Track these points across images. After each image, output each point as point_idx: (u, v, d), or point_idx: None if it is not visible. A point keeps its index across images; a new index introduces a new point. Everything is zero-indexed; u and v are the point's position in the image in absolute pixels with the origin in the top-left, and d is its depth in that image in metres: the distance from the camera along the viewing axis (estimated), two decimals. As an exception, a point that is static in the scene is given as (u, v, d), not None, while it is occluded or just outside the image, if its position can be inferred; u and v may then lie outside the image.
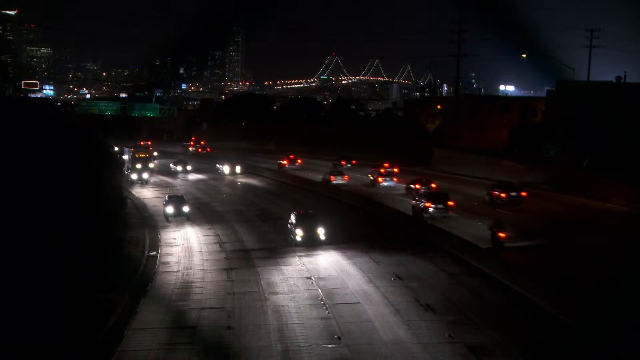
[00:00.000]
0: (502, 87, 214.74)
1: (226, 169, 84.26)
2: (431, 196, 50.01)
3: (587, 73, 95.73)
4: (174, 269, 37.40)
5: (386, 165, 73.26)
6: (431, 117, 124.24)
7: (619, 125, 66.42)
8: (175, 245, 43.93)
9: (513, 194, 53.77)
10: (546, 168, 71.40)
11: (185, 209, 52.58)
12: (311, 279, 34.15)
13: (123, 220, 49.32)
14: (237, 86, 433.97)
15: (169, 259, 39.81)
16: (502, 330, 25.19)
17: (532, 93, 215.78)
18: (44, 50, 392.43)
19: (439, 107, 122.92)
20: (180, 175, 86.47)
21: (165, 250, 42.25)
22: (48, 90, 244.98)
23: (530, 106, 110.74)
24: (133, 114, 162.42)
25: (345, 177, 69.55)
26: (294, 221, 42.77)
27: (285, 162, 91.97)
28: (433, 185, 59.30)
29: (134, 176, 77.31)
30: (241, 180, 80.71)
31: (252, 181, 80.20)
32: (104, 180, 46.12)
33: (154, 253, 41.33)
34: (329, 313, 28.56)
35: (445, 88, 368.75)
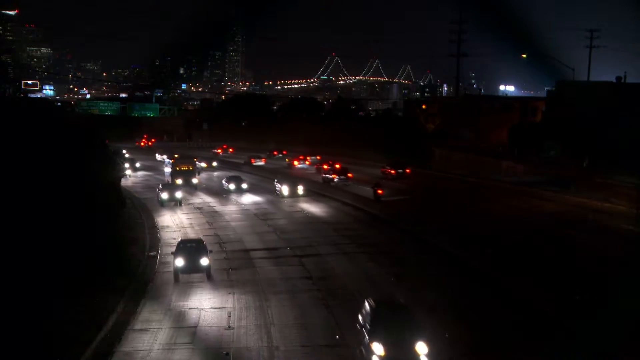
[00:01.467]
0: (502, 87, 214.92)
1: (285, 189, 64.47)
2: (336, 171, 73.52)
3: (587, 73, 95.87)
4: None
5: (331, 162, 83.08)
6: (431, 117, 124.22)
7: (619, 126, 66.45)
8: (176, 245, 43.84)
9: (400, 170, 74.45)
10: (546, 168, 71.45)
11: (204, 261, 34.70)
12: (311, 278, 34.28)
13: (123, 220, 49.37)
14: (237, 86, 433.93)
15: (169, 259, 39.78)
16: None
17: (532, 93, 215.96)
18: (44, 50, 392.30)
19: (435, 108, 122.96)
20: (233, 197, 65.26)
21: (165, 250, 42.20)
22: (48, 91, 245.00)
23: (530, 106, 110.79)
24: (133, 114, 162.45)
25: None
26: None
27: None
28: (337, 166, 77.42)
29: (164, 195, 60.20)
30: (307, 208, 58.07)
31: (321, 210, 56.62)
32: (104, 181, 46.14)
33: (154, 253, 41.32)
34: (329, 313, 28.63)
35: (445, 88, 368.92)
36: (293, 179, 68.77)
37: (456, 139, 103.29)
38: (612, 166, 65.77)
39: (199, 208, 59.26)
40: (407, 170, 74.84)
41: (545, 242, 38.76)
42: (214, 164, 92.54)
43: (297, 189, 64.46)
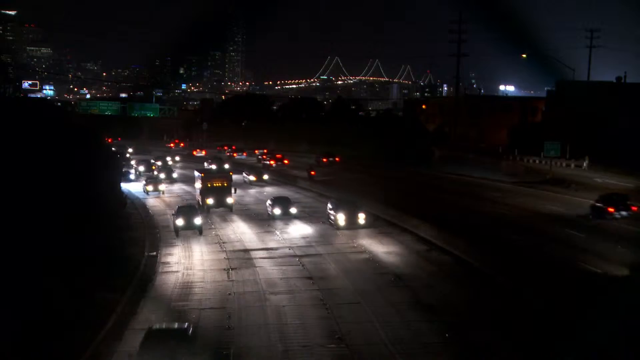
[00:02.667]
0: (502, 87, 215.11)
1: (341, 217, 46.11)
2: (275, 158, 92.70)
3: (587, 73, 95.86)
4: (174, 269, 37.40)
5: (265, 151, 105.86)
6: (431, 117, 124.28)
7: (619, 126, 66.51)
8: (175, 245, 43.92)
9: (330, 159, 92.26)
10: (545, 168, 71.59)
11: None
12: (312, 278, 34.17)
13: (123, 220, 49.40)
14: (237, 86, 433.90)
15: (169, 259, 39.81)
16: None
17: (532, 93, 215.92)
18: (44, 50, 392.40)
19: (435, 108, 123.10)
20: (276, 226, 49.25)
21: (165, 250, 42.24)
22: (48, 91, 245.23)
23: (530, 106, 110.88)
24: (133, 114, 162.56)
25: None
26: None
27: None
28: (278, 155, 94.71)
29: (179, 222, 46.05)
30: (380, 251, 40.14)
31: (405, 260, 37.79)
32: (104, 181, 46.16)
33: (154, 253, 41.33)
34: (329, 313, 28.60)
35: (445, 88, 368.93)
36: (351, 204, 48.02)
37: (456, 139, 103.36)
38: (612, 166, 65.89)
39: (223, 242, 43.98)
40: (337, 159, 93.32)
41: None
42: (265, 176, 75.77)
43: (357, 218, 46.25)
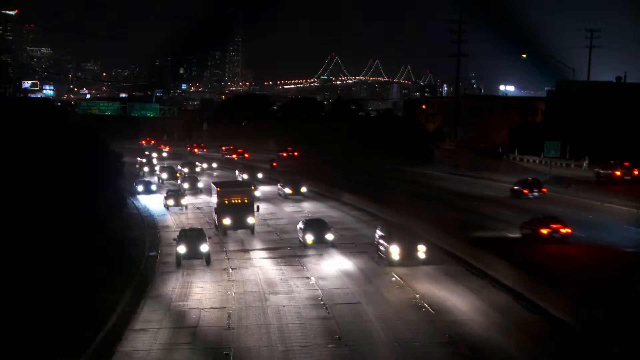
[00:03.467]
0: (502, 87, 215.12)
1: (395, 251, 35.70)
2: (237, 152, 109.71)
3: (587, 73, 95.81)
4: (174, 269, 37.38)
5: (232, 147, 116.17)
6: (431, 117, 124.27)
7: (619, 125, 66.47)
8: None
9: (290, 154, 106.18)
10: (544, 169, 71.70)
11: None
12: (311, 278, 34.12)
13: (123, 220, 49.37)
14: (237, 86, 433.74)
15: (169, 259, 39.79)
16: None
17: (532, 93, 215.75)
18: (44, 50, 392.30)
19: (435, 108, 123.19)
20: (309, 258, 39.20)
21: (165, 250, 42.23)
22: (48, 91, 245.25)
23: (530, 106, 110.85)
24: (133, 114, 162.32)
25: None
26: None
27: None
28: (239, 150, 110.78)
29: (180, 249, 37.91)
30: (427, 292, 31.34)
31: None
32: (104, 181, 46.15)
33: (154, 253, 41.33)
34: (329, 313, 28.58)
35: (445, 88, 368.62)
36: (407, 232, 37.88)
37: (456, 139, 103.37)
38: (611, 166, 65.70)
39: (231, 280, 34.74)
40: (295, 154, 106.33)
41: None
42: (303, 189, 63.27)
43: (416, 251, 35.58)
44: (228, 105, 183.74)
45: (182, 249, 37.62)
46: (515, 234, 40.43)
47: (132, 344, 25.43)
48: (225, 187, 48.81)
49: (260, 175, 76.81)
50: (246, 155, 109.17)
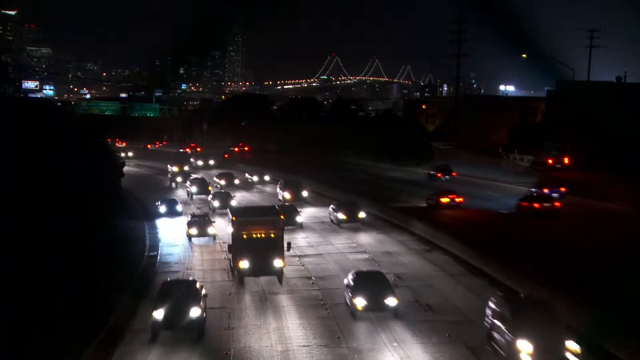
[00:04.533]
0: (502, 87, 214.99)
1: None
2: (190, 147, 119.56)
3: (587, 73, 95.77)
4: (174, 269, 37.38)
5: (192, 145, 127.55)
6: (431, 117, 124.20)
7: (619, 126, 66.42)
8: (175, 245, 43.91)
9: (241, 149, 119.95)
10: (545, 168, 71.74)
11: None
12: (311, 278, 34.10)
13: (123, 220, 49.35)
14: (237, 86, 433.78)
15: (169, 259, 39.81)
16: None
17: (532, 93, 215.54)
18: (44, 50, 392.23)
19: (435, 108, 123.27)
20: (359, 345, 25.15)
21: (165, 250, 42.23)
22: (48, 91, 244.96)
23: (530, 106, 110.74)
24: (133, 114, 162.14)
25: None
26: None
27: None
28: (198, 150, 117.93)
29: (157, 315, 25.96)
30: None
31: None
32: (104, 181, 46.15)
33: (154, 253, 41.32)
34: (329, 313, 28.58)
35: (445, 88, 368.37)
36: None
37: (456, 139, 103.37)
38: (612, 166, 65.75)
39: None
40: (246, 148, 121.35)
41: None
42: (362, 214, 49.03)
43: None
44: (228, 105, 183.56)
45: (159, 315, 25.67)
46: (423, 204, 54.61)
47: (132, 343, 25.41)
48: (243, 215, 35.02)
49: (305, 194, 59.61)
50: (198, 149, 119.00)
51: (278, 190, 61.10)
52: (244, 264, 32.82)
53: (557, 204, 49.72)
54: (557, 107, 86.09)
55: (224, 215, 46.04)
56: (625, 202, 51.61)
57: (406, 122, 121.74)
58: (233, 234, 33.71)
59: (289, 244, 34.54)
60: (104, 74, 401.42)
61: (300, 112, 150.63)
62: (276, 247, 32.98)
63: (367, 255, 39.42)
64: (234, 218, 34.03)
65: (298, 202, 56.32)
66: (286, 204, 53.71)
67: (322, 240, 44.08)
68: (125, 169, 68.37)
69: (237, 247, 33.17)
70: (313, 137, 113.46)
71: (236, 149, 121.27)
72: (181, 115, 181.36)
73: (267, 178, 76.21)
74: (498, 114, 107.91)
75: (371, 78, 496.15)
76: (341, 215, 48.21)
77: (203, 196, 62.20)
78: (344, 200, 51.43)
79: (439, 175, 71.67)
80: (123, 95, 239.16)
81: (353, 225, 47.79)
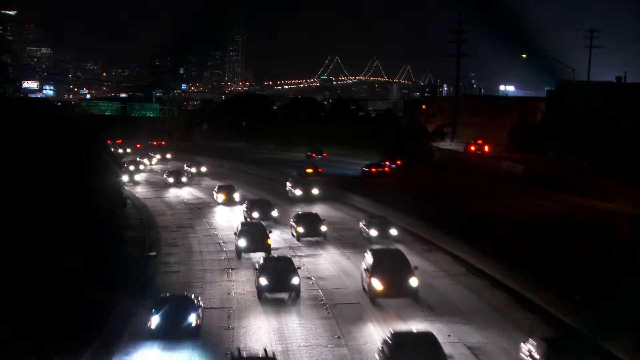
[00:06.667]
0: (502, 87, 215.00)
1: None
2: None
3: (587, 73, 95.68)
4: (174, 269, 37.39)
5: (155, 143, 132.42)
6: (431, 117, 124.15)
7: (619, 126, 66.38)
8: (175, 245, 43.92)
9: (159, 143, 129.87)
10: (545, 168, 71.64)
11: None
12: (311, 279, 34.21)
13: (123, 220, 49.39)
14: (237, 86, 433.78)
15: (169, 259, 39.82)
16: None
17: (532, 93, 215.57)
18: (44, 50, 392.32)
19: (435, 108, 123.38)
20: None
21: (165, 250, 42.24)
22: (48, 91, 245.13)
23: (530, 106, 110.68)
24: (133, 114, 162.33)
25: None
26: None
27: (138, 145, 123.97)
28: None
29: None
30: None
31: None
32: (104, 180, 46.12)
33: (154, 253, 41.31)
34: (329, 313, 28.61)
35: (445, 88, 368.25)
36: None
37: (456, 139, 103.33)
38: (612, 166, 65.76)
39: None
40: (163, 142, 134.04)
41: None
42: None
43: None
44: (228, 105, 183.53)
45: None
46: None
47: (132, 343, 25.41)
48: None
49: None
50: (138, 145, 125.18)
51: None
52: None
53: (387, 169, 77.73)
54: (557, 107, 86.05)
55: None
56: (626, 202, 51.57)
57: (406, 122, 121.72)
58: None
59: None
60: (104, 74, 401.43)
61: (301, 112, 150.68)
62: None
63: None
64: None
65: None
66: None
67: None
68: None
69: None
70: (313, 137, 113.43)
71: (155, 143, 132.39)
72: (181, 115, 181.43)
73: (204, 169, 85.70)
74: (498, 114, 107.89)
75: (371, 78, 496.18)
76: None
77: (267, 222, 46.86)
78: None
79: (313, 155, 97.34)
80: (123, 95, 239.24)
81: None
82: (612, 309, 23.71)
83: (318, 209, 51.86)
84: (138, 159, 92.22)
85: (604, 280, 30.81)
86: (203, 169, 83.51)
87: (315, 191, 60.67)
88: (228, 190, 60.59)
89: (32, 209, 29.44)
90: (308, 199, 59.28)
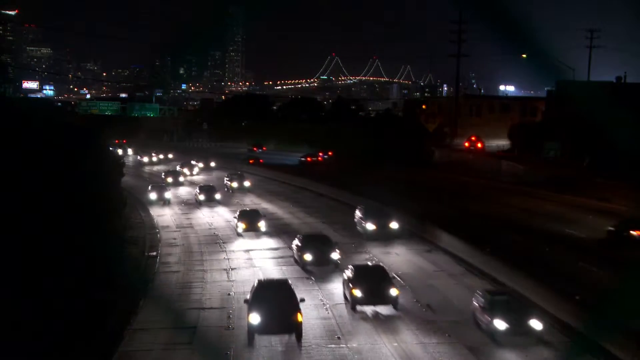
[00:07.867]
0: (502, 87, 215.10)
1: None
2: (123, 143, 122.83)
3: (587, 73, 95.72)
4: (174, 269, 37.38)
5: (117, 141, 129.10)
6: (431, 117, 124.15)
7: (619, 126, 66.39)
8: (175, 245, 43.90)
9: (121, 141, 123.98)
10: (546, 168, 71.64)
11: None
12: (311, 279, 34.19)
13: (123, 220, 49.34)
14: (237, 86, 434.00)
15: (169, 259, 39.80)
16: None
17: (532, 93, 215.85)
18: (44, 50, 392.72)
19: (435, 108, 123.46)
20: None
21: (165, 250, 42.21)
22: (48, 91, 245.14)
23: (530, 106, 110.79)
24: (133, 114, 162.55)
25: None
26: None
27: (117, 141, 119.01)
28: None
29: None
30: None
31: None
32: (104, 180, 46.11)
33: (154, 253, 41.31)
34: (329, 313, 28.60)
35: (445, 88, 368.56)
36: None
37: (456, 139, 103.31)
38: (612, 166, 65.81)
39: None
40: (124, 141, 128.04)
41: None
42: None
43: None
44: (228, 105, 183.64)
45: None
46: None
47: (132, 344, 25.41)
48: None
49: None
50: (124, 141, 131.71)
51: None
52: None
53: (320, 159, 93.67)
54: (557, 107, 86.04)
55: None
56: (627, 202, 51.56)
57: (406, 122, 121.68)
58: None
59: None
60: (104, 74, 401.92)
61: (300, 112, 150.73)
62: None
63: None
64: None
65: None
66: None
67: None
68: None
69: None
70: (314, 137, 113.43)
71: (117, 141, 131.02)
72: (181, 115, 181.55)
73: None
74: (498, 114, 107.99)
75: (371, 78, 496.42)
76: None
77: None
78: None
79: (254, 149, 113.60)
80: (123, 95, 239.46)
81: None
82: (611, 309, 23.73)
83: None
84: (178, 168, 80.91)
85: (604, 280, 30.90)
86: (246, 184, 66.80)
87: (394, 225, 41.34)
88: (250, 216, 45.54)
89: (31, 209, 29.43)
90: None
